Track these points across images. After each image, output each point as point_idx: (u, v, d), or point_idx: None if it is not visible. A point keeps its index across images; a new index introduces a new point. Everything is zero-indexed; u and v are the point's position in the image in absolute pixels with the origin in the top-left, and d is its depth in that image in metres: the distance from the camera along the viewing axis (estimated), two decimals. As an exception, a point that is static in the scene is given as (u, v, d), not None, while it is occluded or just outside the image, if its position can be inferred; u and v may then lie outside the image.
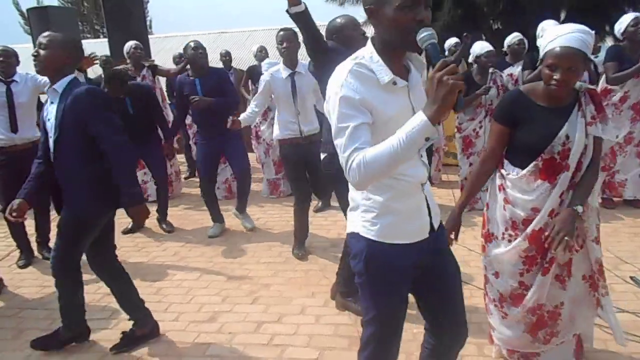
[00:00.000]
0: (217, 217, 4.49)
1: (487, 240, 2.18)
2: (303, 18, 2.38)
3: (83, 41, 8.46)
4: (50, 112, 2.42)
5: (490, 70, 4.45)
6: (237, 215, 4.55)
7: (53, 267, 2.51)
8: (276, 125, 3.81)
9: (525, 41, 5.01)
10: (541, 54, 1.93)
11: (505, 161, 2.09)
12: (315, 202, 4.27)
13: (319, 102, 3.88)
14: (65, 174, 2.44)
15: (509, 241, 2.07)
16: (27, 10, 7.71)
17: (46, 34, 2.42)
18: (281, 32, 3.56)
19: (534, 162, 1.96)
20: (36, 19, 6.97)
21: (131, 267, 3.73)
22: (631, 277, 3.05)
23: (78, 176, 2.41)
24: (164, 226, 4.62)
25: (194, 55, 4.09)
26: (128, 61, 5.18)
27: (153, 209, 4.77)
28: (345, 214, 2.62)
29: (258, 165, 5.83)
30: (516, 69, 4.86)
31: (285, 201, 5.22)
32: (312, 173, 3.87)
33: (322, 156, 2.86)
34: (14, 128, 3.66)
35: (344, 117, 1.32)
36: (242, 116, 3.83)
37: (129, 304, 2.68)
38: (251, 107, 3.87)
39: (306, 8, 2.38)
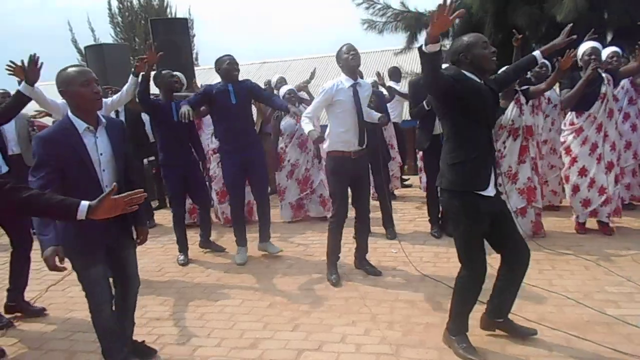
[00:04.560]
0: (242, 240, 4.44)
1: None
2: None
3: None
4: (99, 146, 2.42)
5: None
6: (262, 247, 4.52)
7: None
8: (333, 137, 3.75)
9: (548, 64, 5.07)
10: None
11: None
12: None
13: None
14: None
15: None
16: (85, 48, 8.23)
17: (88, 69, 2.46)
18: (347, 45, 3.67)
19: None
20: (93, 56, 7.45)
21: (176, 292, 3.85)
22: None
23: None
24: (212, 246, 4.78)
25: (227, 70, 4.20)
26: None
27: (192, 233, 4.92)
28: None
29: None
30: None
31: (324, 228, 5.22)
32: (357, 188, 3.87)
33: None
34: None
35: None
36: (304, 126, 3.72)
37: None
38: (306, 117, 3.75)
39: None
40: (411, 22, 8.12)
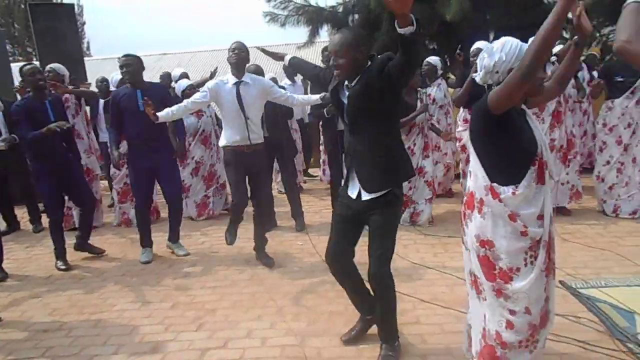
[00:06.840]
0: (148, 241, 4.36)
1: (508, 279, 1.93)
2: (295, 67, 3.11)
3: (13, 64, 8.07)
4: None
5: (420, 89, 4.72)
6: (170, 245, 4.47)
7: None
8: (223, 133, 3.83)
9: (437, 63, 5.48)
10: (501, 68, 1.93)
11: (495, 188, 1.91)
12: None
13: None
14: None
15: (532, 263, 1.92)
16: (-50, 32, 7.29)
17: None
18: (236, 43, 3.74)
19: (531, 168, 1.89)
20: (-40, 42, 6.64)
21: (67, 299, 3.58)
22: (560, 282, 3.24)
23: None
24: (89, 249, 4.46)
25: (122, 74, 4.12)
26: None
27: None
28: None
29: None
30: (433, 89, 5.49)
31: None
32: (255, 181, 3.94)
33: None
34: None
35: None
36: (164, 111, 3.62)
37: None
38: (181, 105, 3.71)
39: (292, 60, 3.10)
40: (312, 16, 8.21)
